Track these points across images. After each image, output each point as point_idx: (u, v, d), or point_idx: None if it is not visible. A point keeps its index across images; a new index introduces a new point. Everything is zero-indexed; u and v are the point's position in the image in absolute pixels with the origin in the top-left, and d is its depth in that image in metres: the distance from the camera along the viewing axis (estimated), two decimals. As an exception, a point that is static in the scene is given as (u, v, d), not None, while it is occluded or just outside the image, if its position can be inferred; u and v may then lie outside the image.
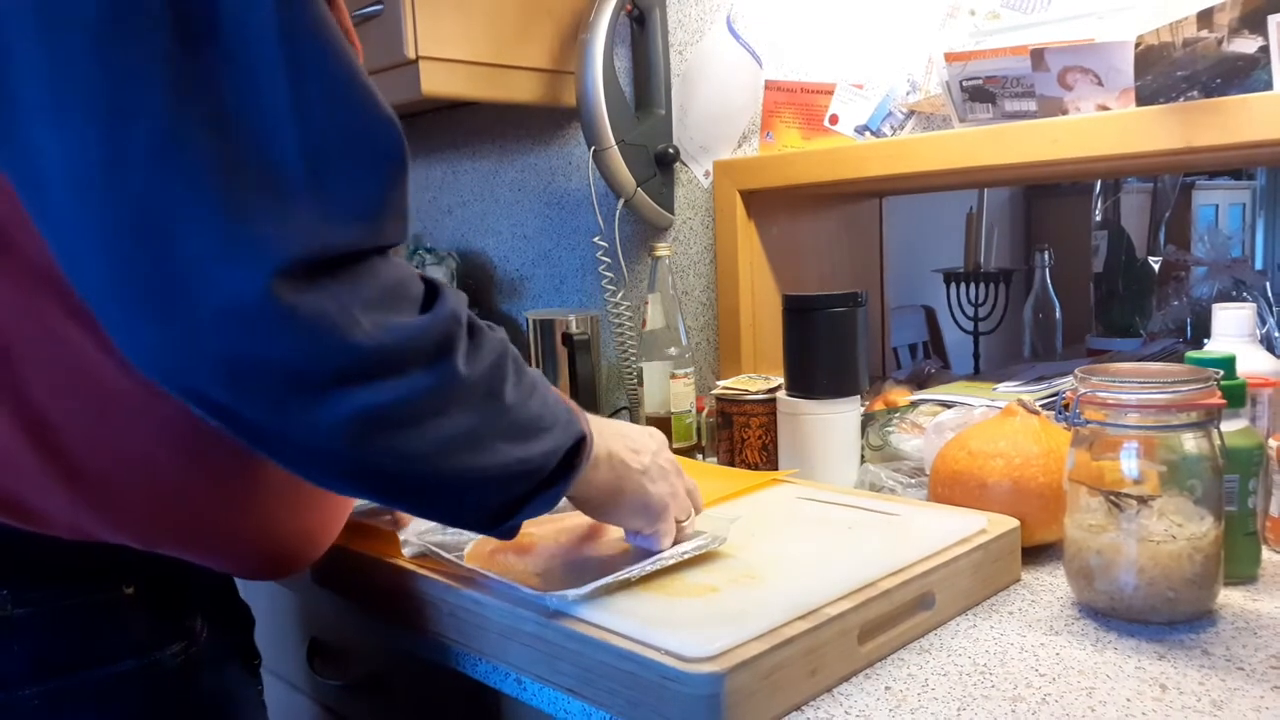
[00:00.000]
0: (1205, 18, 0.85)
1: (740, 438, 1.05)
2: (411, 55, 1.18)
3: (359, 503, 0.83)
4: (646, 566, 0.66)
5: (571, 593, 0.62)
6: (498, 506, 0.56)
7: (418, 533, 0.77)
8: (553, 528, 0.77)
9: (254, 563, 0.65)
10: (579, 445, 0.60)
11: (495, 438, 0.54)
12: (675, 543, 0.70)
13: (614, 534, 0.75)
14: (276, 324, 0.44)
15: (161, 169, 0.42)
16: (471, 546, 0.73)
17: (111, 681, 0.58)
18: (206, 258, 0.43)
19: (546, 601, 0.62)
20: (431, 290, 0.52)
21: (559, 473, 0.59)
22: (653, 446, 0.69)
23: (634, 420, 1.26)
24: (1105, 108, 0.93)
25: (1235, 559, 0.71)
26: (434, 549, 0.73)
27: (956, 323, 1.62)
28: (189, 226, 0.43)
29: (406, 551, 0.74)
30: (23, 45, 0.42)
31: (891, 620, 0.64)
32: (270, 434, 0.48)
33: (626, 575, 0.65)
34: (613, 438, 0.66)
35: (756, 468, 1.03)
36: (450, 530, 0.79)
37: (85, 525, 0.56)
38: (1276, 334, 1.33)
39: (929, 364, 1.33)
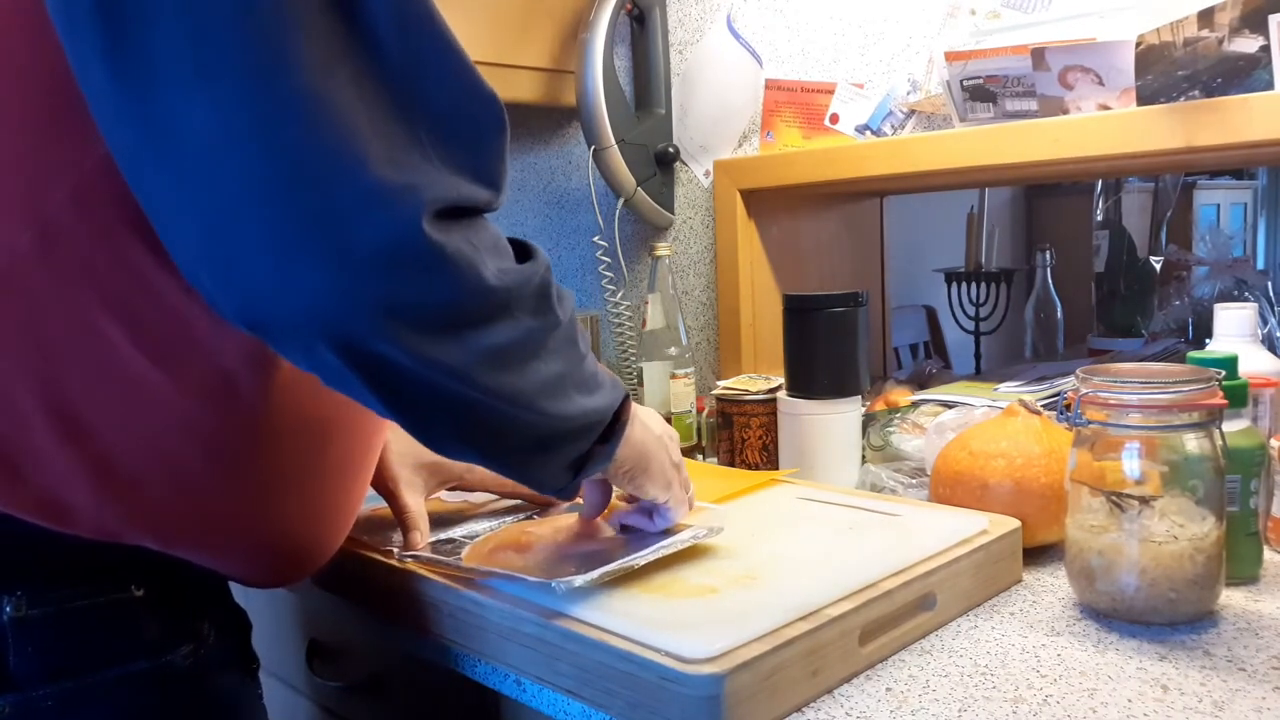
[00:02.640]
0: (1206, 17, 0.85)
1: (740, 438, 1.05)
2: (411, 55, 1.17)
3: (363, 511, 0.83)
4: (650, 554, 0.66)
5: (578, 578, 0.62)
6: (570, 459, 0.59)
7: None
8: (550, 527, 0.77)
9: (263, 567, 0.65)
10: (625, 402, 0.64)
11: (572, 386, 0.57)
12: (672, 531, 0.71)
13: (610, 530, 0.75)
14: (429, 263, 0.46)
15: (315, 121, 0.44)
16: (469, 548, 0.73)
17: (123, 682, 0.58)
18: (364, 203, 0.45)
19: (554, 588, 0.62)
20: (520, 243, 0.56)
21: (611, 428, 0.62)
22: (658, 417, 0.74)
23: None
24: (1106, 107, 0.92)
25: (1237, 559, 0.71)
26: (430, 555, 0.73)
27: (958, 322, 1.61)
28: (346, 175, 0.45)
29: (400, 557, 0.74)
30: (165, 15, 0.44)
31: (892, 621, 0.64)
32: (403, 378, 0.49)
33: (631, 562, 0.65)
34: (640, 415, 0.69)
35: (757, 468, 1.03)
36: (443, 533, 0.79)
37: (109, 524, 0.56)
38: (1278, 334, 1.33)
39: (930, 364, 1.33)
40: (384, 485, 0.79)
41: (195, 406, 0.56)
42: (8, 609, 0.54)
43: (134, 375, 0.55)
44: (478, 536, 0.77)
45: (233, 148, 0.44)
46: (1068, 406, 0.70)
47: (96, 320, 0.53)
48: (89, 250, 0.52)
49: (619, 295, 1.35)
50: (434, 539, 0.77)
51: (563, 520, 0.77)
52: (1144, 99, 0.90)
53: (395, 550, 0.75)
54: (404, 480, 0.79)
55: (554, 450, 0.58)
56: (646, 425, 0.69)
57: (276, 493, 0.62)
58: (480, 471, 0.83)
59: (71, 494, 0.55)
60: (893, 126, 1.13)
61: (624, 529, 0.75)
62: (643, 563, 0.65)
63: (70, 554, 0.56)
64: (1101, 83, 0.92)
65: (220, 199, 0.45)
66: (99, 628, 0.58)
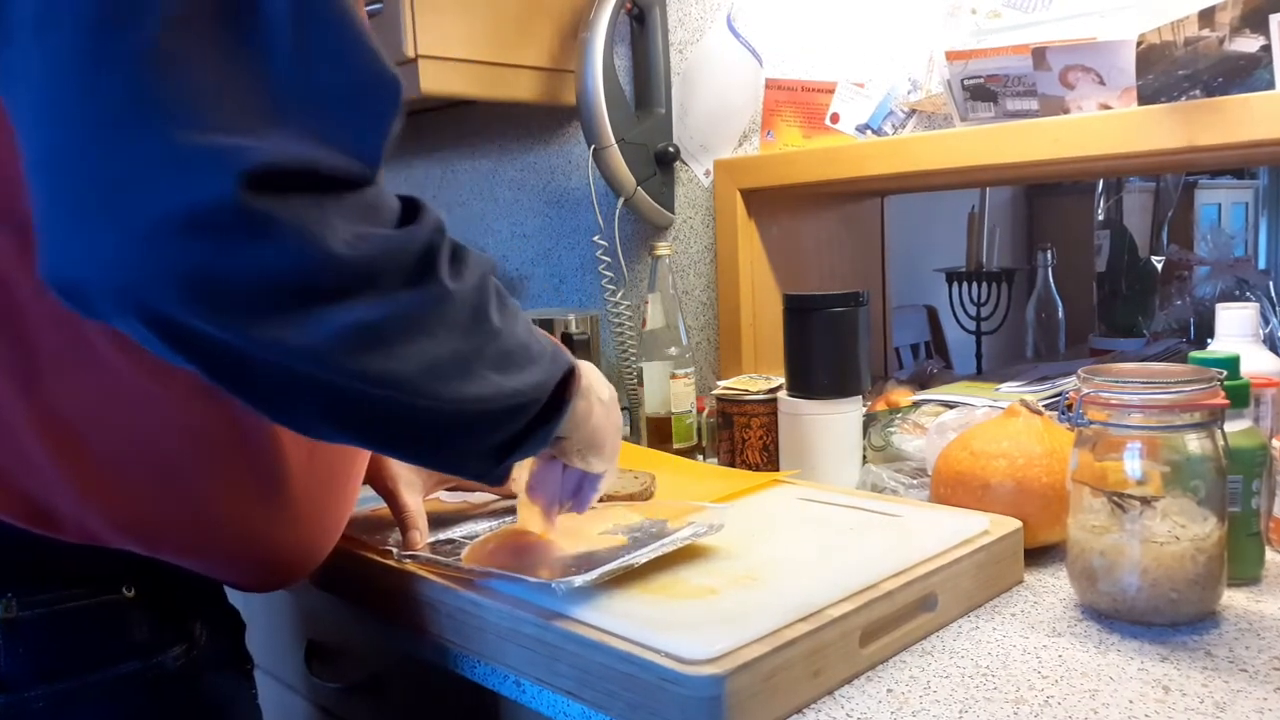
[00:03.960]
0: (1207, 17, 0.85)
1: (741, 438, 1.04)
2: (411, 54, 1.17)
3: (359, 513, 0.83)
4: (649, 553, 0.66)
5: (578, 579, 0.61)
6: (493, 444, 0.54)
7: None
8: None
9: (252, 572, 0.65)
10: (568, 378, 0.58)
11: (484, 365, 0.51)
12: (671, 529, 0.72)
13: (611, 527, 0.75)
14: (246, 230, 0.41)
15: (144, 74, 0.41)
16: (468, 549, 0.73)
17: (115, 683, 0.58)
18: (168, 164, 0.41)
19: (554, 588, 0.62)
20: (410, 203, 0.50)
21: (551, 407, 0.56)
22: (601, 376, 0.68)
23: (633, 420, 1.26)
24: (1107, 107, 0.92)
25: (1238, 560, 0.71)
26: (429, 556, 0.73)
27: (959, 322, 1.61)
28: (156, 136, 0.41)
29: (399, 558, 0.74)
30: None
31: (893, 622, 0.64)
32: (240, 359, 0.44)
33: (631, 561, 0.64)
34: (588, 372, 0.64)
35: (757, 468, 1.03)
36: (442, 533, 0.79)
37: (92, 527, 0.56)
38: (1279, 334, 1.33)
39: (931, 364, 1.32)
40: (382, 485, 0.79)
41: (181, 410, 0.56)
42: None
43: (118, 378, 0.54)
44: (477, 537, 0.77)
45: (55, 103, 0.41)
46: (1069, 406, 0.70)
47: (79, 323, 0.52)
48: None
49: (619, 295, 1.35)
50: (433, 539, 0.77)
51: (563, 521, 0.77)
52: (1145, 98, 0.89)
53: (394, 550, 0.75)
54: (403, 480, 0.79)
55: (465, 437, 0.53)
56: (600, 397, 0.64)
57: (264, 497, 0.61)
58: None
59: (56, 499, 0.54)
60: (893, 126, 1.13)
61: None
62: (642, 561, 0.65)
63: (61, 556, 0.56)
64: (1102, 82, 0.91)
65: (40, 156, 0.42)
66: (90, 629, 0.58)
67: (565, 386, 0.58)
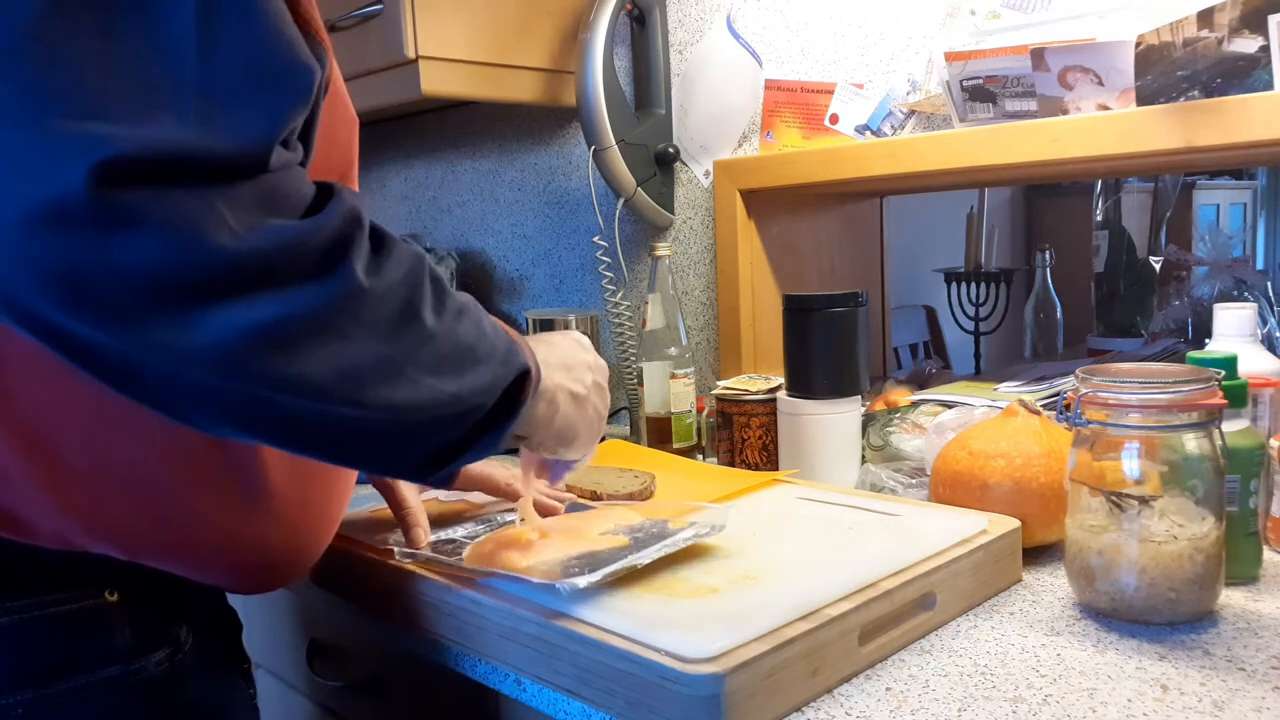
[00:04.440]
0: (1205, 17, 0.85)
1: (740, 438, 1.05)
2: (411, 55, 1.18)
3: (355, 515, 0.83)
4: (653, 553, 0.66)
5: (583, 579, 0.61)
6: (430, 451, 0.51)
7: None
8: (553, 527, 0.76)
9: (237, 574, 0.64)
10: (522, 380, 0.54)
11: (417, 369, 0.48)
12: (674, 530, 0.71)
13: (612, 528, 0.75)
14: (105, 223, 0.38)
15: (18, 58, 0.38)
16: (470, 549, 0.73)
17: (96, 689, 0.57)
18: (36, 147, 0.38)
19: (559, 590, 0.62)
20: (325, 190, 0.46)
21: (500, 412, 0.53)
22: (588, 360, 0.65)
23: (633, 420, 1.26)
24: (1106, 107, 0.93)
25: (1236, 559, 0.71)
26: (431, 555, 0.73)
27: (957, 322, 1.62)
28: (29, 115, 0.38)
29: (400, 557, 0.74)
30: None
31: (892, 621, 0.64)
32: (123, 362, 0.41)
33: (634, 562, 0.65)
34: (556, 369, 0.61)
35: (757, 468, 1.03)
36: (442, 533, 0.79)
37: (69, 534, 0.55)
38: (1278, 334, 1.33)
39: (930, 364, 1.33)
40: (382, 482, 0.78)
41: (152, 414, 0.53)
42: None
43: (87, 384, 0.50)
44: (478, 537, 0.77)
45: None
46: (1067, 406, 0.70)
47: None
48: None
49: (619, 295, 1.35)
50: (434, 539, 0.77)
51: (564, 520, 0.78)
52: (1144, 99, 0.90)
53: (395, 549, 0.75)
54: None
55: (399, 444, 0.49)
56: (571, 395, 0.61)
57: (243, 497, 0.60)
58: (477, 470, 0.82)
59: (26, 503, 0.53)
60: (893, 127, 1.13)
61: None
62: (646, 562, 0.65)
63: (40, 561, 0.55)
64: (1101, 83, 0.92)
65: None
66: (71, 633, 0.57)
67: (519, 388, 0.55)
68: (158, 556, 0.58)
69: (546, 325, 1.34)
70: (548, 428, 0.61)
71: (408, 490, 0.78)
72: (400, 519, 0.77)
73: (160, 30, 0.41)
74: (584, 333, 1.28)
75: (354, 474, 0.71)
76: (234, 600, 0.73)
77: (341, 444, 0.48)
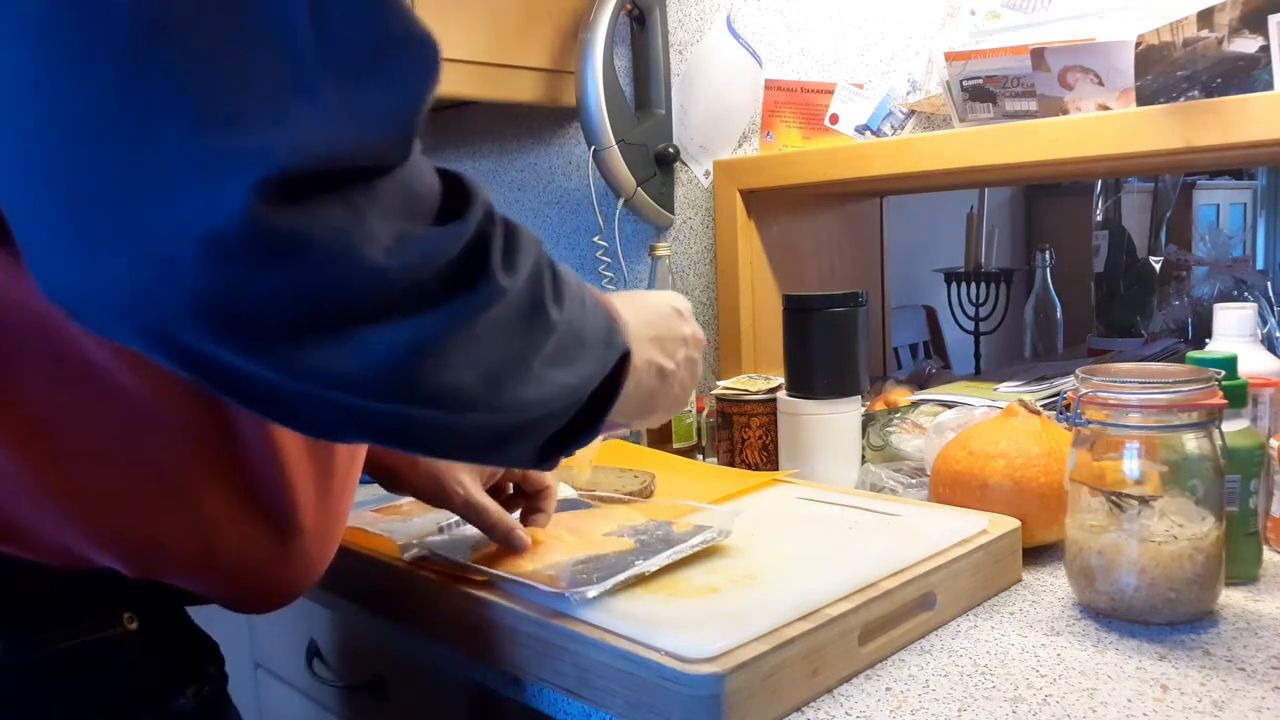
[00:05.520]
0: (1205, 17, 0.85)
1: (740, 438, 1.05)
2: (411, 55, 1.17)
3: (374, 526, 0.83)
4: (663, 560, 0.66)
5: (591, 589, 0.61)
6: (544, 442, 0.49)
7: (418, 536, 0.77)
8: (558, 527, 0.76)
9: (252, 589, 0.59)
10: (622, 363, 0.52)
11: (542, 363, 0.45)
12: (682, 535, 0.70)
13: (615, 528, 0.75)
14: (271, 250, 0.35)
15: (140, 58, 0.34)
16: (475, 547, 0.73)
17: None
18: (180, 167, 0.34)
19: (567, 598, 0.62)
20: (454, 184, 0.43)
21: (601, 398, 0.50)
22: (683, 333, 0.61)
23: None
24: (1106, 107, 0.93)
25: (1236, 559, 0.71)
26: (438, 553, 0.72)
27: (957, 322, 1.62)
28: (164, 130, 0.34)
29: (406, 556, 0.74)
30: None
31: (892, 621, 0.64)
32: (273, 389, 0.39)
33: (642, 570, 0.65)
34: (648, 343, 0.57)
35: (757, 468, 1.03)
36: (449, 531, 0.78)
37: (75, 545, 0.50)
38: (1278, 334, 1.33)
39: (930, 364, 1.33)
40: (438, 487, 0.70)
41: (173, 412, 0.50)
42: None
43: (104, 381, 0.49)
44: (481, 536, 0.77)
45: (23, 85, 0.34)
46: (1067, 406, 0.70)
47: (55, 321, 0.46)
48: None
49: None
50: (435, 539, 0.77)
51: (567, 519, 0.77)
52: (1144, 99, 0.90)
53: (400, 547, 0.75)
54: (466, 480, 0.70)
55: (520, 439, 0.47)
56: (660, 369, 0.58)
57: (265, 505, 0.56)
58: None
59: (29, 511, 0.49)
60: (892, 126, 1.13)
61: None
62: (655, 569, 0.65)
63: (48, 583, 0.50)
64: (1101, 83, 0.92)
65: (11, 157, 0.35)
66: (92, 672, 0.51)
67: (620, 371, 0.52)
68: (169, 569, 0.53)
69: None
70: (628, 402, 0.56)
71: (476, 491, 0.71)
72: (491, 527, 0.70)
73: (276, 8, 0.37)
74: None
75: (358, 474, 0.67)
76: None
77: (466, 444, 0.46)
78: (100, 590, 0.52)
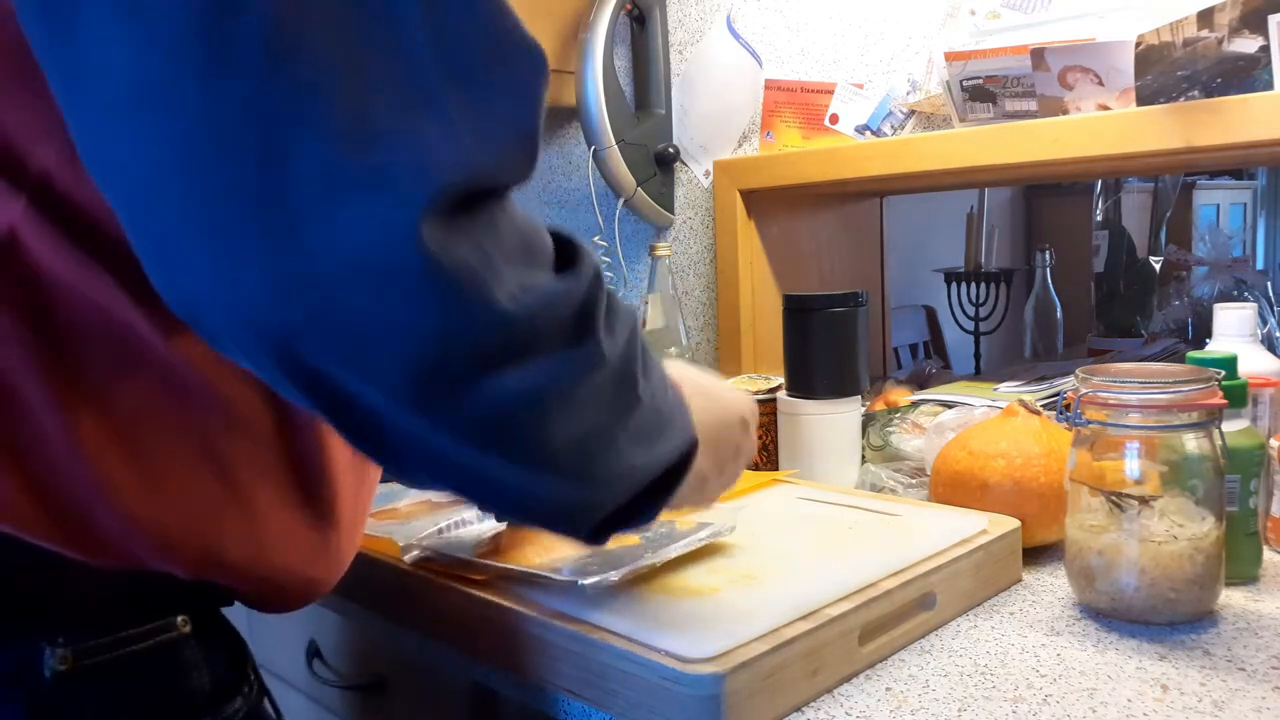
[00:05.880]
0: (1206, 17, 0.85)
1: (740, 438, 1.05)
2: (411, 55, 1.17)
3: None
4: (670, 553, 0.66)
5: (606, 576, 0.62)
6: (604, 518, 0.46)
7: (418, 538, 0.76)
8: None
9: (289, 593, 0.57)
10: (690, 452, 0.50)
11: (625, 437, 0.44)
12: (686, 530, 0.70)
13: None
14: (419, 276, 0.34)
15: (275, 71, 0.33)
16: (477, 546, 0.73)
17: None
18: (338, 179, 0.34)
19: (582, 588, 0.61)
20: (565, 239, 0.42)
21: (666, 480, 0.48)
22: (738, 443, 0.59)
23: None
24: (1106, 107, 0.92)
25: (1236, 559, 0.71)
26: (441, 553, 0.72)
27: (957, 322, 1.62)
28: (313, 134, 0.34)
29: (407, 558, 0.73)
30: None
31: (892, 621, 0.64)
32: (379, 423, 0.38)
33: (652, 562, 0.65)
34: (705, 450, 0.54)
35: (757, 468, 1.03)
36: (449, 533, 0.78)
37: (134, 547, 0.48)
38: (1278, 334, 1.33)
39: (930, 364, 1.33)
40: None
41: (233, 406, 0.49)
42: (50, 661, 0.46)
43: (168, 372, 0.47)
44: (485, 524, 0.76)
45: (156, 93, 0.34)
46: (1067, 406, 0.70)
47: (115, 305, 0.46)
48: (90, 216, 0.43)
49: (619, 295, 1.35)
50: (434, 540, 0.77)
51: None
52: (1144, 99, 0.90)
53: (401, 546, 0.74)
54: None
55: (581, 511, 0.45)
56: (700, 475, 0.54)
57: (310, 499, 0.55)
58: None
59: (96, 515, 0.47)
60: (893, 126, 1.13)
61: None
62: (664, 561, 0.65)
63: (103, 587, 0.48)
64: (1101, 83, 0.92)
65: (139, 159, 0.35)
66: (155, 677, 0.50)
67: (687, 460, 0.50)
68: (224, 569, 0.52)
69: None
70: (682, 492, 0.53)
71: None
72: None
73: (392, 15, 0.36)
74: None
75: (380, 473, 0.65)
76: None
77: (537, 508, 0.44)
78: (152, 592, 0.51)
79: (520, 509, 0.45)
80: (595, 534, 0.47)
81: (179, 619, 0.52)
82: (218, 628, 0.56)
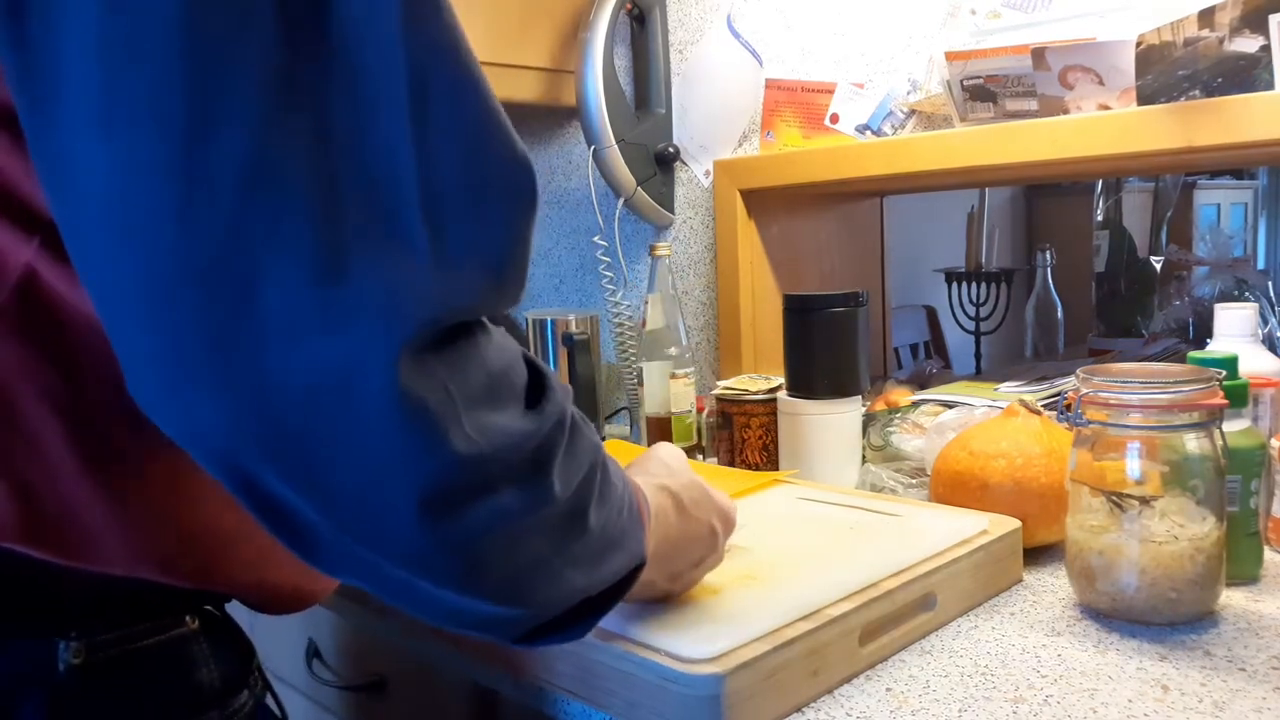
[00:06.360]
0: (1206, 17, 0.85)
1: (741, 438, 1.05)
2: (411, 55, 1.17)
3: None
4: None
5: None
6: (532, 630, 0.47)
7: None
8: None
9: (291, 601, 0.59)
10: (633, 573, 0.50)
11: (564, 564, 0.45)
12: None
13: None
14: (375, 418, 0.34)
15: (247, 196, 0.33)
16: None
17: None
18: (302, 318, 0.33)
19: None
20: (537, 378, 0.42)
21: (604, 597, 0.49)
22: (703, 560, 0.61)
23: (633, 420, 1.26)
24: (1106, 107, 0.92)
25: (1237, 559, 0.71)
26: None
27: (958, 322, 1.61)
28: (280, 273, 0.33)
29: None
30: (77, 27, 0.33)
31: (893, 621, 0.64)
32: (316, 535, 0.39)
33: None
34: (659, 565, 0.55)
35: (757, 468, 1.03)
36: None
37: (139, 566, 0.49)
38: (1278, 334, 1.33)
39: (930, 364, 1.33)
40: None
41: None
42: (65, 656, 0.48)
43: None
44: None
45: (128, 220, 0.33)
46: (1068, 406, 0.70)
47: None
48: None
49: (619, 295, 1.35)
50: None
51: None
52: (1144, 99, 0.90)
53: None
54: None
55: (509, 625, 0.46)
56: (656, 588, 0.58)
57: None
58: None
59: (101, 533, 0.48)
60: (893, 126, 1.13)
61: None
62: None
63: (114, 591, 0.49)
64: (1101, 83, 0.92)
65: (109, 280, 0.35)
66: (164, 670, 0.52)
67: (630, 580, 0.50)
68: (227, 580, 0.53)
69: (546, 325, 1.34)
70: (639, 594, 0.55)
71: None
72: None
73: (376, 132, 0.35)
74: (584, 332, 1.28)
75: None
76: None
77: (458, 619, 0.44)
78: (158, 595, 0.52)
79: (449, 621, 0.45)
80: (525, 641, 0.48)
81: (187, 617, 0.53)
82: (224, 626, 0.57)
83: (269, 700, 0.61)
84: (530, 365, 0.43)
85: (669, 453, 0.64)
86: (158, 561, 0.49)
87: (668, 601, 0.61)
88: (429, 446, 0.36)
